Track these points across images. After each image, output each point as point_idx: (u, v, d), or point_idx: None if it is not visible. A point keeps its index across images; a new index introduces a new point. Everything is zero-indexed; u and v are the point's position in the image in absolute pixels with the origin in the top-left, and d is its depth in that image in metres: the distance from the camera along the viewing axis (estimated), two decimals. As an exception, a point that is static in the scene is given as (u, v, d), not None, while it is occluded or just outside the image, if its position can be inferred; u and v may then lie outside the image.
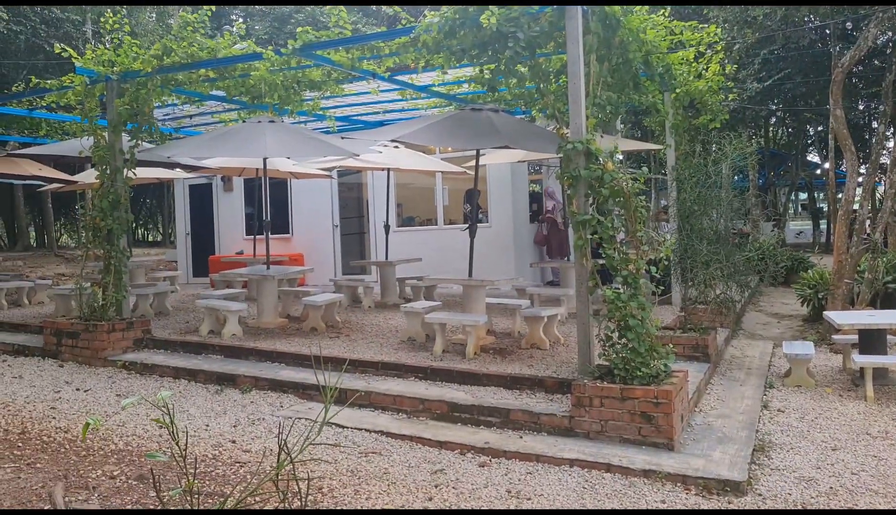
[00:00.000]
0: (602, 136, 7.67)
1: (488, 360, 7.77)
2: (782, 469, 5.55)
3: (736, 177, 28.60)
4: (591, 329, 6.49)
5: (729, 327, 10.58)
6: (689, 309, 9.17)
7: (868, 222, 12.15)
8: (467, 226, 9.02)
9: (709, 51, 10.08)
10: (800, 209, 49.86)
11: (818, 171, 32.94)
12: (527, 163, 13.83)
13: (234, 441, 6.16)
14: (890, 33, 18.22)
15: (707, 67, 10.48)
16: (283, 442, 3.62)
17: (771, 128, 31.64)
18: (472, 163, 11.70)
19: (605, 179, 6.31)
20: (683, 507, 4.91)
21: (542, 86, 7.14)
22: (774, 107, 23.70)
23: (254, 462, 5.62)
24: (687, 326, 8.69)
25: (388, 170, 12.36)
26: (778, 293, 16.55)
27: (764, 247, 18.88)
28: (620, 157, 21.94)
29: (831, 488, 5.19)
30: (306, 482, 4.41)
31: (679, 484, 5.24)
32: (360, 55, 8.71)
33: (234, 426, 6.61)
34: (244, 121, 10.23)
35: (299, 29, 8.17)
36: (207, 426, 6.60)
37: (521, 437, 6.11)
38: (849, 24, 17.93)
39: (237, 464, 5.61)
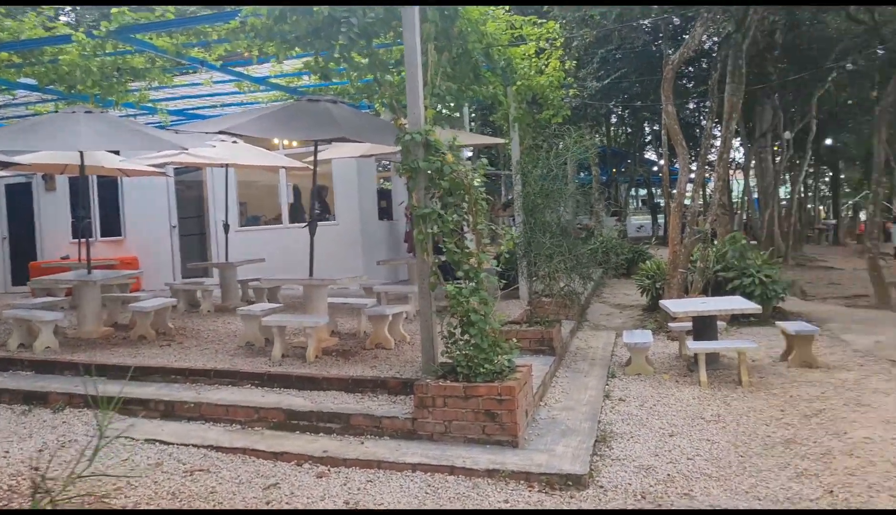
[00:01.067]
0: (444, 128, 7.50)
1: (330, 363, 7.39)
2: (623, 459, 5.56)
3: (582, 174, 29.68)
4: (434, 326, 6.26)
5: (574, 319, 10.75)
6: (536, 302, 9.20)
7: (699, 214, 12.71)
8: (307, 223, 8.60)
9: (549, 47, 10.18)
10: (640, 204, 52.51)
11: (655, 168, 34.78)
12: (374, 157, 13.53)
13: (36, 469, 5.45)
14: (716, 38, 19.38)
15: (548, 63, 10.60)
16: (42, 472, 3.09)
17: (612, 127, 33.04)
18: (320, 157, 11.30)
19: (444, 171, 6.11)
20: (526, 506, 4.76)
21: (379, 75, 6.85)
22: (613, 106, 24.67)
23: (58, 492, 4.96)
24: (533, 320, 8.70)
25: (227, 166, 11.68)
26: (620, 284, 17.18)
27: (606, 240, 19.60)
28: (469, 153, 22.12)
29: (668, 475, 5.22)
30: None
31: (522, 482, 5.11)
32: (186, 41, 8.09)
33: (40, 450, 5.88)
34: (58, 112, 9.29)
35: (114, 10, 7.44)
36: (7, 452, 5.83)
37: (362, 443, 5.80)
38: (676, 20, 18.86)
39: (39, 494, 4.93)
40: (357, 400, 6.45)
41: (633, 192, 42.90)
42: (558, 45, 10.20)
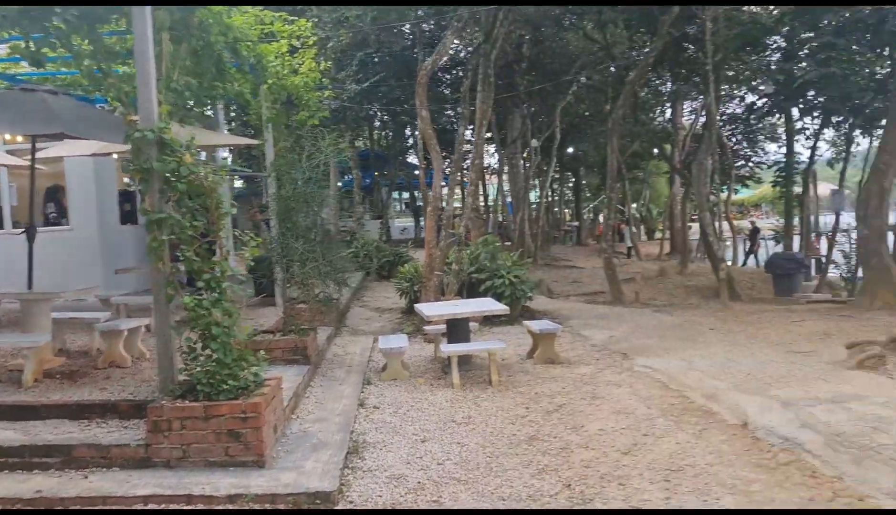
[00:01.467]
0: (187, 126, 6.96)
1: (53, 387, 6.53)
2: (375, 470, 5.43)
3: (346, 177, 29.60)
4: (172, 341, 5.73)
5: (332, 325, 10.56)
6: (291, 309, 8.86)
7: (455, 218, 13.10)
8: (23, 229, 7.58)
9: (300, 45, 9.89)
10: (403, 207, 53.67)
11: (417, 171, 35.61)
12: (115, 156, 12.35)
13: None
14: (470, 48, 20.19)
15: (302, 63, 10.29)
16: None
17: (375, 131, 33.34)
18: (49, 154, 10.10)
19: (181, 173, 5.61)
20: (270, 532, 4.46)
21: (105, 65, 6.16)
22: (373, 109, 24.87)
23: None
24: (287, 328, 8.36)
25: (-73, 161, 10.03)
26: (382, 287, 17.26)
27: (367, 244, 19.72)
28: (226, 155, 21.18)
29: (419, 483, 5.17)
30: None
31: (268, 505, 4.79)
32: None
33: None
34: None
35: None
36: None
37: (86, 478, 5.14)
38: (426, 26, 19.37)
39: None
40: (82, 428, 5.73)
41: (396, 195, 43.69)
42: (311, 43, 9.93)
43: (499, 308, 8.56)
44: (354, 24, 15.38)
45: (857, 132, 19.01)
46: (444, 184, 12.51)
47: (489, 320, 11.33)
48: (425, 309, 8.71)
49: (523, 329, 9.98)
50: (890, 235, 14.39)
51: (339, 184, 27.24)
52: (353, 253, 18.93)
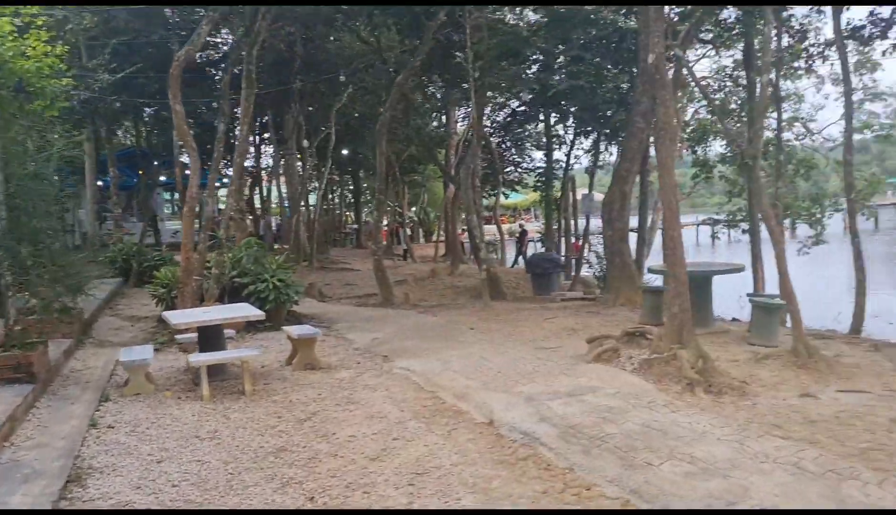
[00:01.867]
0: None
1: None
2: (97, 499, 4.90)
3: (108, 178, 27.26)
4: None
5: (73, 337, 9.59)
6: (18, 321, 7.90)
7: (215, 219, 12.46)
8: None
9: (23, 24, 8.85)
10: (176, 208, 50.75)
11: (188, 171, 33.65)
12: None
13: None
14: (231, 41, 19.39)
15: (34, 47, 9.21)
16: None
17: (145, 126, 31.00)
18: None
19: None
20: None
21: None
22: (133, 102, 23.05)
23: None
24: (10, 343, 7.42)
25: None
26: (142, 294, 16.04)
27: (128, 247, 18.35)
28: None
29: (149, 509, 4.73)
30: None
31: (-42, 552, 4.14)
32: None
33: None
34: None
35: None
36: None
37: None
38: (168, 11, 18.38)
39: None
40: None
41: (168, 196, 41.16)
42: (39, 24, 8.89)
43: (254, 313, 8.19)
44: (99, 6, 14.09)
45: (605, 141, 20.69)
46: (202, 183, 11.86)
47: (253, 326, 10.86)
48: (173, 316, 8.13)
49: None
50: (632, 236, 15.74)
51: (100, 183, 25.09)
52: (110, 257, 17.52)
